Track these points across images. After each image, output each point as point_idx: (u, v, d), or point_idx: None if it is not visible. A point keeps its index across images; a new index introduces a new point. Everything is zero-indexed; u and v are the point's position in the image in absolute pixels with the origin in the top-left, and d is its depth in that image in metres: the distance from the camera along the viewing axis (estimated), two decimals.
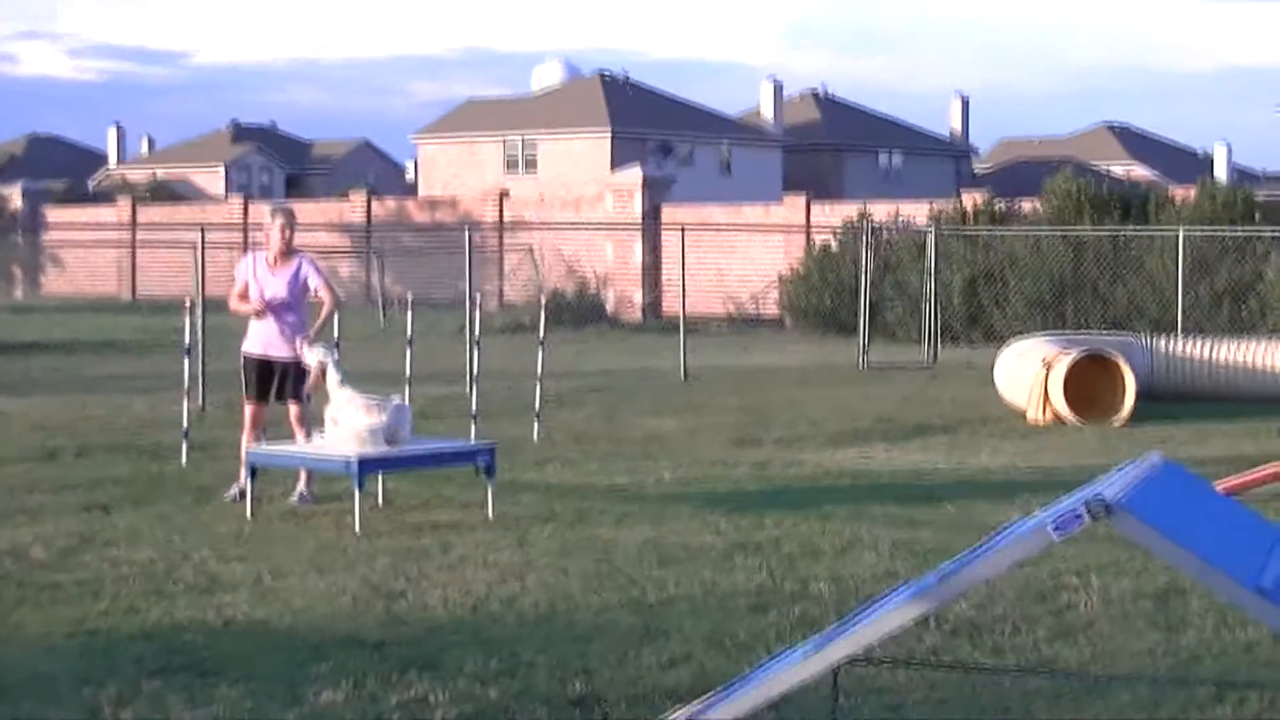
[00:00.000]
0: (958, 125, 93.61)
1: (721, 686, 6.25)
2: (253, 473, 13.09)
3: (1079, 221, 35.55)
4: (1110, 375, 20.04)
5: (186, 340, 16.87)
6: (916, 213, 39.88)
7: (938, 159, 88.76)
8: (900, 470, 15.86)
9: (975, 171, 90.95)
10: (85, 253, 56.60)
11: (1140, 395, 19.85)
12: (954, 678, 8.08)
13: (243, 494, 13.27)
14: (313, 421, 13.85)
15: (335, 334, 16.13)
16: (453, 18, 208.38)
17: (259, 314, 13.95)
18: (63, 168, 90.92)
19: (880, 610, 5.85)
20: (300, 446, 13.46)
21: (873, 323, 31.30)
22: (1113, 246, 34.39)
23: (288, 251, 14.05)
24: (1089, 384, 19.94)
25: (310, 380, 13.40)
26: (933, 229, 33.24)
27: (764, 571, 10.78)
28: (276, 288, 13.91)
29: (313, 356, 13.19)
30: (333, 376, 12.94)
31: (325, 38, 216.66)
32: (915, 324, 33.39)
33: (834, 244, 38.85)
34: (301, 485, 13.66)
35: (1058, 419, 19.64)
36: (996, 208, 38.69)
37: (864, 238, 32.18)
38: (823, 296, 37.98)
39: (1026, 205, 38.77)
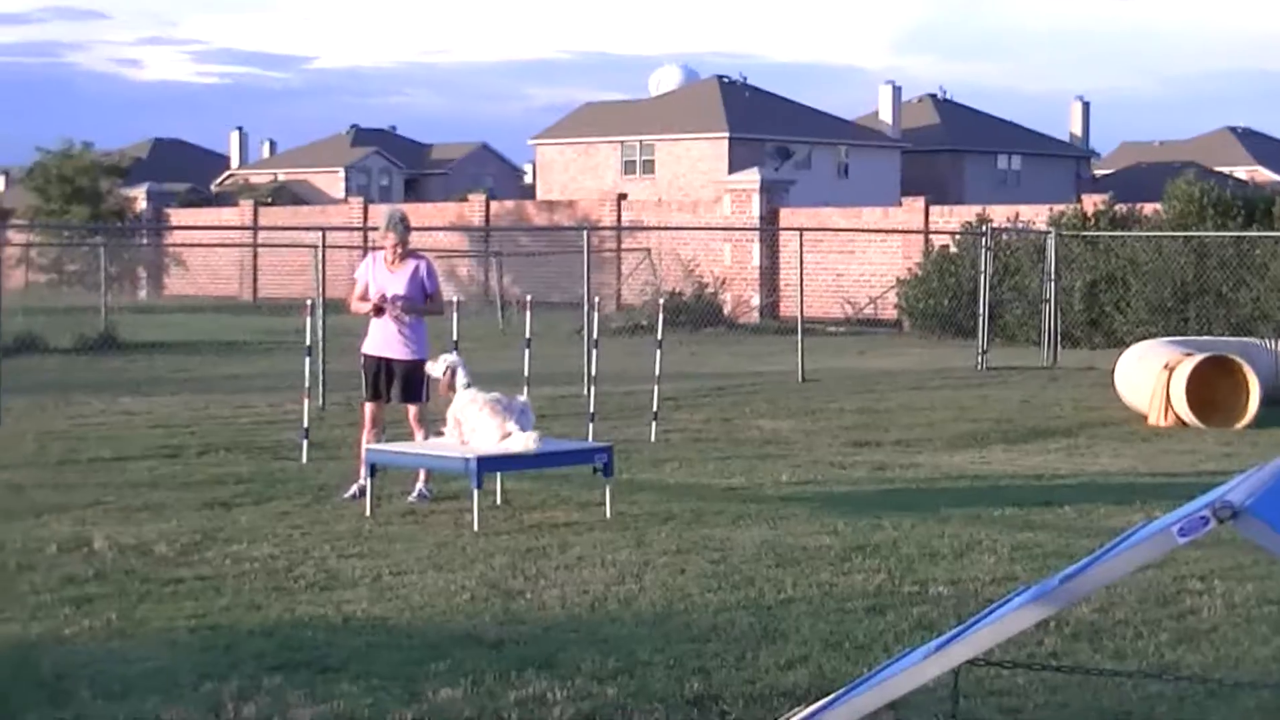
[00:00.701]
0: (1078, 128, 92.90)
1: (842, 688, 6.23)
2: (372, 471, 13.18)
3: (1201, 225, 35.17)
4: (1233, 379, 19.81)
5: (307, 340, 17.01)
6: (1036, 216, 39.58)
7: (1057, 162, 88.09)
8: (1019, 473, 15.74)
9: (1095, 175, 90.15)
10: (207, 254, 57.18)
11: (1264, 399, 19.62)
12: (1074, 681, 8.00)
13: (362, 492, 13.36)
14: (432, 420, 13.94)
15: (454, 336, 16.19)
16: (570, 22, 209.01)
17: (378, 311, 14.04)
18: (186, 171, 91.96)
19: (1001, 612, 5.79)
20: (419, 446, 13.53)
21: (991, 326, 31.09)
22: (1236, 250, 33.98)
23: (405, 253, 14.12)
24: (1211, 388, 19.72)
25: (440, 386, 13.42)
26: (1053, 232, 32.98)
27: (882, 573, 10.73)
28: (395, 288, 13.98)
29: (441, 364, 13.24)
30: (460, 379, 13.01)
31: (444, 42, 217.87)
32: (1034, 327, 33.13)
33: (953, 247, 38.62)
34: (420, 484, 13.73)
35: (1179, 423, 19.43)
36: (1117, 211, 38.34)
37: (983, 241, 31.96)
38: (941, 299, 37.76)
39: (1148, 209, 38.38)
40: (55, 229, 56.52)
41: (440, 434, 13.32)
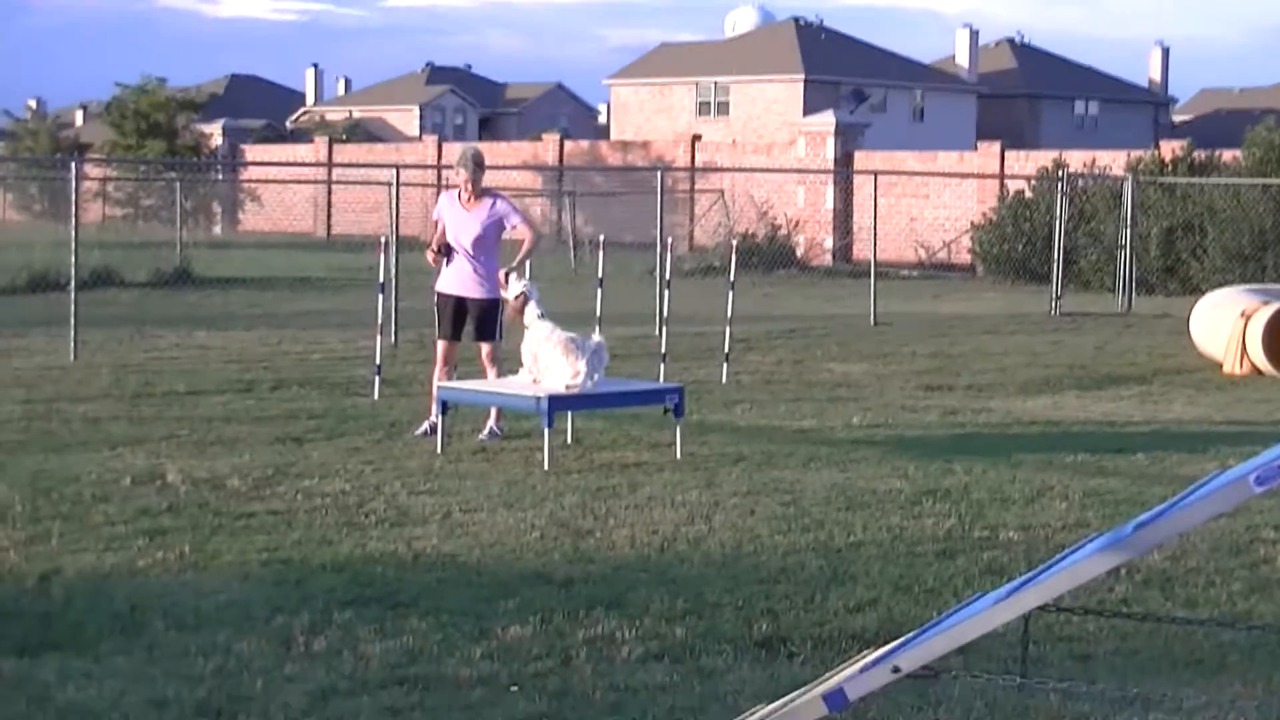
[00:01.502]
0: (1157, 75, 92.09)
1: (911, 632, 6.21)
2: (443, 409, 13.21)
3: None
4: None
5: (380, 278, 17.04)
6: (1113, 162, 39.29)
7: (1135, 108, 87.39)
8: (1092, 419, 15.66)
9: (1174, 121, 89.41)
10: (282, 191, 57.36)
11: None
12: (1145, 629, 7.96)
13: (433, 429, 13.40)
14: (504, 359, 13.96)
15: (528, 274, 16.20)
16: None
17: (437, 259, 14.03)
18: (262, 107, 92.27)
19: (1074, 559, 5.76)
20: (491, 384, 13.55)
21: (1066, 271, 30.90)
22: None
23: (480, 192, 14.10)
24: None
25: (509, 311, 13.40)
26: (1130, 178, 32.72)
27: (952, 518, 10.70)
28: (470, 227, 13.97)
29: (515, 288, 13.21)
30: (532, 310, 12.98)
31: None
32: (1109, 273, 32.93)
33: (1028, 192, 38.38)
34: (491, 421, 13.76)
35: (1255, 371, 19.28)
36: (1195, 158, 37.99)
37: (1059, 186, 31.75)
38: (1015, 244, 37.54)
39: (1227, 156, 38.02)
40: (131, 164, 56.83)
41: (513, 372, 13.33)
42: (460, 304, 14.04)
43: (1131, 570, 8.92)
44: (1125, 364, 20.49)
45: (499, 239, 14.14)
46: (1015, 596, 5.65)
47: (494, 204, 14.04)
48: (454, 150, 58.37)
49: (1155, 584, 8.90)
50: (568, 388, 12.61)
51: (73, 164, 23.18)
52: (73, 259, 20.52)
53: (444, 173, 48.67)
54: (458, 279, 14.05)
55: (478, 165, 14.06)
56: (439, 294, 14.20)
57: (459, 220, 14.02)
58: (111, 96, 65.01)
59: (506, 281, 13.38)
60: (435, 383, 13.89)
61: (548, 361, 12.76)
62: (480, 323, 14.01)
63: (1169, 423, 15.58)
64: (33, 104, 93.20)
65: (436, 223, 14.31)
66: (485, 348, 14.07)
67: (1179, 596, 8.71)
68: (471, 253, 13.97)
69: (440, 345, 14.21)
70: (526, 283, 13.31)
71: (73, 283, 20.17)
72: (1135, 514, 6.74)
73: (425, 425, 13.83)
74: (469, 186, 14.00)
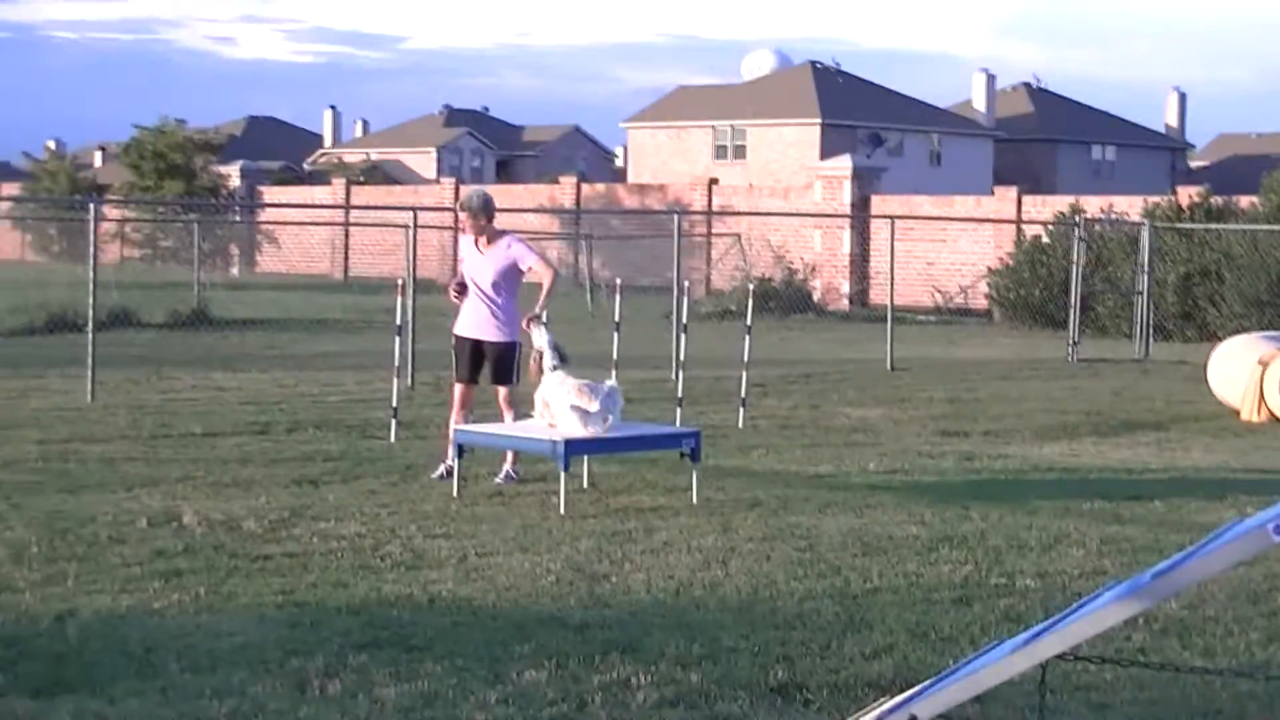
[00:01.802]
0: (1174, 120, 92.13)
1: (928, 679, 6.19)
2: (460, 452, 13.21)
3: None
4: None
5: (398, 320, 17.06)
6: (1130, 207, 39.28)
7: (1152, 153, 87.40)
8: (1109, 466, 15.62)
9: (1191, 166, 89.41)
10: (299, 232, 57.52)
11: None
12: (1163, 678, 7.93)
13: (449, 472, 13.41)
14: (520, 403, 13.95)
15: (544, 318, 16.20)
16: (664, 5, 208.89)
17: (458, 297, 14.05)
18: (280, 149, 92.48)
19: (1092, 607, 5.74)
20: (508, 427, 13.54)
21: (1083, 317, 30.87)
22: None
23: (493, 233, 14.08)
24: None
25: (531, 370, 13.36)
26: (1147, 224, 32.71)
27: (969, 564, 10.67)
28: (485, 269, 13.97)
29: (540, 338, 13.19)
30: (548, 361, 12.97)
31: (537, 24, 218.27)
32: (1126, 319, 32.89)
33: (1045, 237, 38.37)
34: (508, 465, 13.76)
35: (1273, 418, 19.23)
36: (1213, 203, 37.97)
37: (1076, 231, 31.74)
38: (1032, 290, 37.53)
39: (1244, 201, 37.99)
40: (150, 205, 56.99)
41: (529, 416, 13.33)
42: (477, 347, 14.05)
43: (1150, 619, 8.88)
44: (1142, 410, 20.45)
45: (517, 281, 14.12)
46: (1032, 644, 5.63)
47: (509, 246, 14.03)
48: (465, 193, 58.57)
49: (1173, 632, 8.86)
50: (581, 414, 12.57)
51: (91, 205, 23.25)
52: (90, 299, 20.55)
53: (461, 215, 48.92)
54: (475, 321, 14.06)
55: (482, 208, 14.01)
56: (456, 337, 14.20)
57: (475, 263, 14.04)
58: (130, 137, 65.28)
59: (529, 328, 13.37)
60: (452, 426, 13.89)
61: (560, 406, 12.73)
62: (497, 366, 14.02)
63: (1186, 470, 15.53)
64: (51, 144, 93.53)
65: (459, 261, 14.34)
66: (502, 391, 14.07)
67: (1197, 645, 8.67)
68: (488, 295, 13.97)
69: (458, 388, 14.21)
70: (543, 337, 13.21)
71: (90, 323, 20.21)
72: (1153, 562, 6.72)
73: (441, 469, 13.83)
74: (469, 228, 13.97)
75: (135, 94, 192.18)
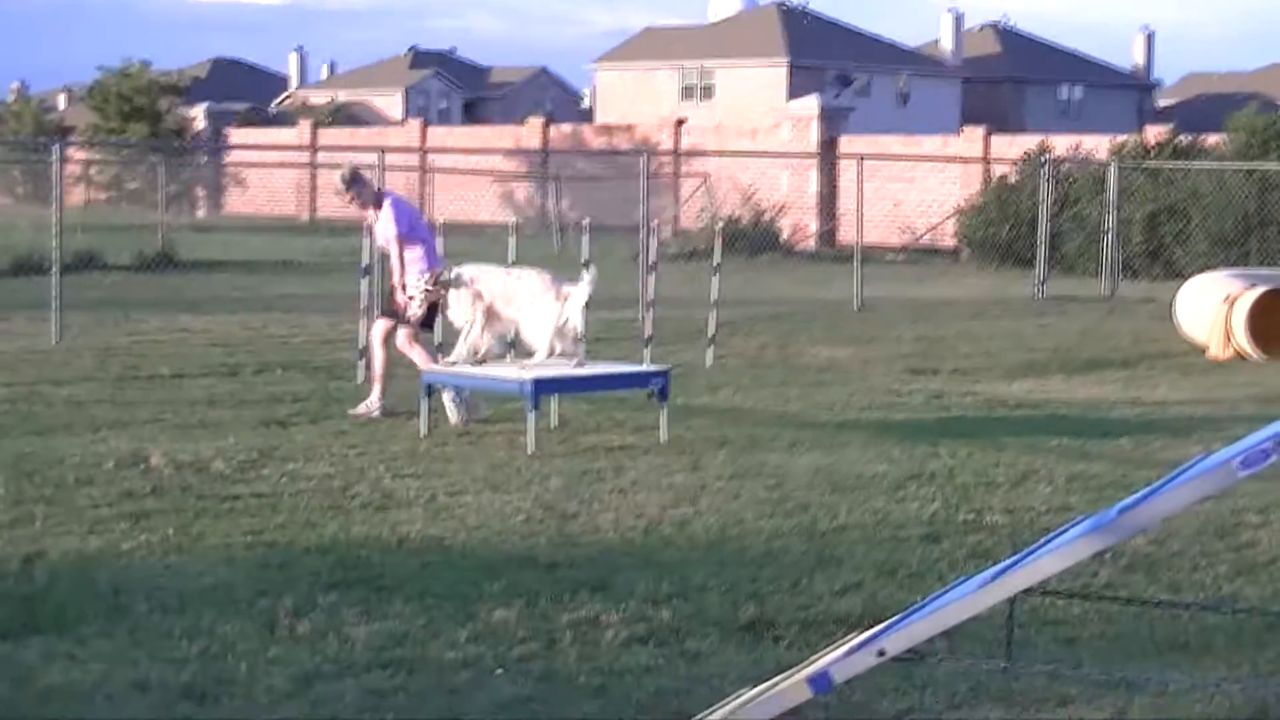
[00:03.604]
0: (1141, 59, 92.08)
1: (896, 615, 6.22)
2: (428, 391, 13.20)
3: (1265, 157, 34.83)
4: None
5: (364, 261, 17.00)
6: (1097, 146, 39.31)
7: (1119, 93, 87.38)
8: (1076, 403, 15.67)
9: (1158, 106, 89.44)
10: (266, 174, 57.23)
11: None
12: (1130, 612, 7.97)
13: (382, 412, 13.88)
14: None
15: (512, 258, 16.17)
16: None
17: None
18: (245, 91, 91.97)
19: (1059, 543, 5.76)
20: (475, 368, 13.48)
21: (1051, 256, 30.92)
22: None
23: (372, 202, 14.62)
24: (1272, 320, 19.56)
25: (418, 304, 13.75)
26: (1114, 163, 32.73)
27: (937, 501, 10.70)
28: (380, 232, 14.64)
29: (447, 276, 13.40)
30: (469, 270, 13.27)
31: None
32: (1094, 258, 32.94)
33: (1012, 176, 38.40)
34: (375, 398, 14.09)
35: (1239, 355, 19.30)
36: (1179, 142, 38.01)
37: (1043, 170, 31.76)
38: (1000, 229, 37.57)
39: (1211, 140, 38.05)
40: (114, 147, 56.71)
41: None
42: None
43: (1116, 554, 8.92)
44: (1109, 348, 20.51)
45: (409, 235, 14.39)
46: (1000, 580, 5.66)
47: (385, 208, 14.47)
48: (438, 134, 58.39)
49: (1140, 568, 8.91)
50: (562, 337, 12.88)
51: (55, 147, 23.10)
52: (55, 242, 20.45)
53: (429, 156, 48.74)
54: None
55: (349, 182, 14.66)
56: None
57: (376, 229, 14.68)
58: (94, 80, 64.88)
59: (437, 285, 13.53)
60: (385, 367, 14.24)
61: (525, 303, 12.99)
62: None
63: (1153, 407, 15.59)
64: (15, 87, 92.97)
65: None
66: (402, 332, 14.31)
67: (1163, 580, 8.72)
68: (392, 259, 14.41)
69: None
70: (450, 275, 13.44)
71: (55, 266, 20.11)
72: (1120, 498, 6.74)
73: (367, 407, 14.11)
74: (353, 203, 14.70)
75: (100, 37, 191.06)
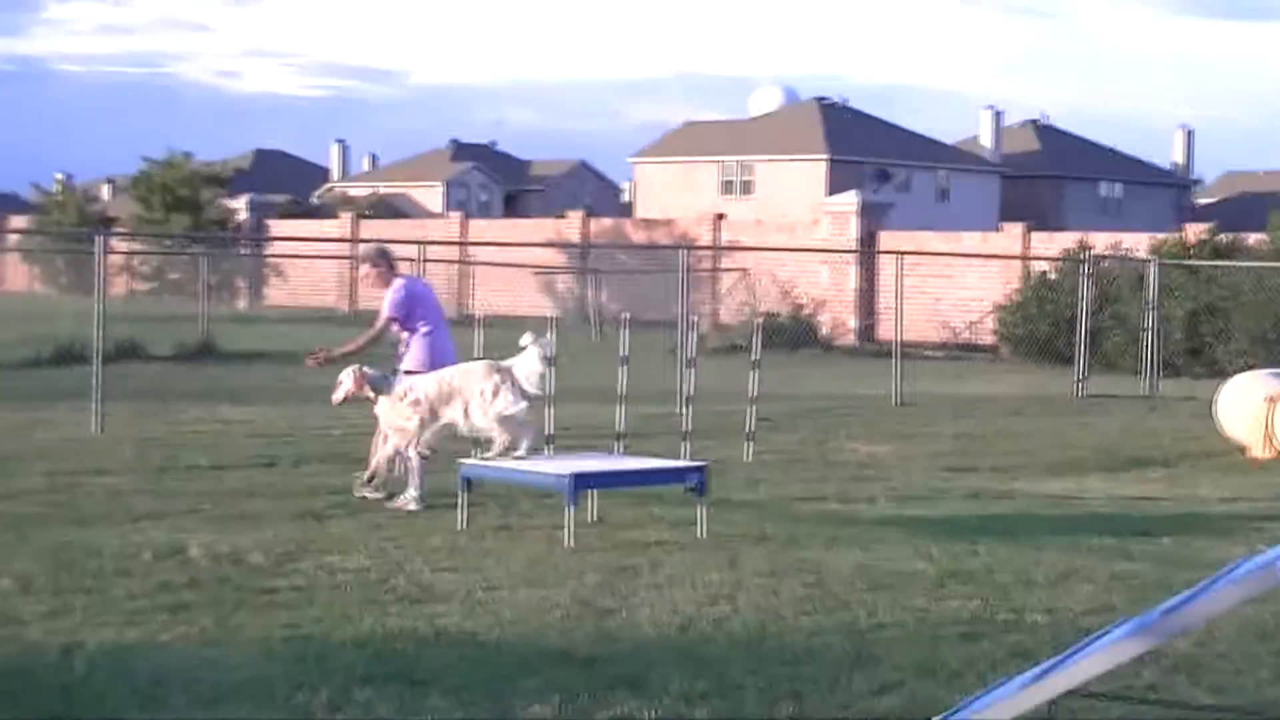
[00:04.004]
0: (1180, 157, 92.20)
1: (938, 716, 6.17)
2: (467, 485, 13.20)
3: None
4: None
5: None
6: (1137, 244, 39.29)
7: (1159, 190, 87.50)
8: (1117, 502, 15.59)
9: (1197, 203, 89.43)
10: (307, 265, 57.55)
11: None
12: (1173, 716, 7.90)
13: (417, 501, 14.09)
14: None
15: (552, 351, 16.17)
16: (670, 42, 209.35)
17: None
18: (287, 182, 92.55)
19: (1101, 643, 5.72)
20: (513, 462, 13.51)
21: (1091, 353, 30.85)
22: None
23: (386, 284, 15.06)
24: None
25: (354, 391, 14.15)
26: (1154, 260, 32.71)
27: (977, 600, 10.64)
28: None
29: (345, 380, 14.21)
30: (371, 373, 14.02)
31: (543, 59, 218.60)
32: (1134, 355, 32.85)
33: (1052, 273, 38.38)
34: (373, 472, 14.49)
35: None
36: (1220, 241, 37.97)
37: (1083, 267, 31.74)
38: (1039, 325, 37.54)
39: (1251, 239, 38.00)
40: (157, 238, 57.06)
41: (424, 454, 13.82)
42: None
43: (1158, 655, 8.84)
44: (1150, 447, 20.42)
45: (411, 322, 14.88)
46: (1042, 681, 5.62)
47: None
48: (479, 227, 58.64)
49: (1183, 669, 8.83)
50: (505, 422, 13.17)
51: (99, 238, 23.24)
52: (98, 332, 20.55)
53: (469, 249, 48.96)
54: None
55: (369, 260, 15.35)
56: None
57: None
58: (138, 170, 65.36)
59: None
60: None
61: (470, 394, 13.27)
62: None
63: (1195, 506, 15.50)
64: (60, 177, 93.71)
65: None
66: None
67: (1206, 683, 8.64)
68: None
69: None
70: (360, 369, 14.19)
71: (97, 355, 20.21)
72: (1162, 599, 6.69)
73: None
74: (369, 280, 15.28)
75: (143, 127, 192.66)
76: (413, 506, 14.02)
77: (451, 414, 13.51)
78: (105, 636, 9.19)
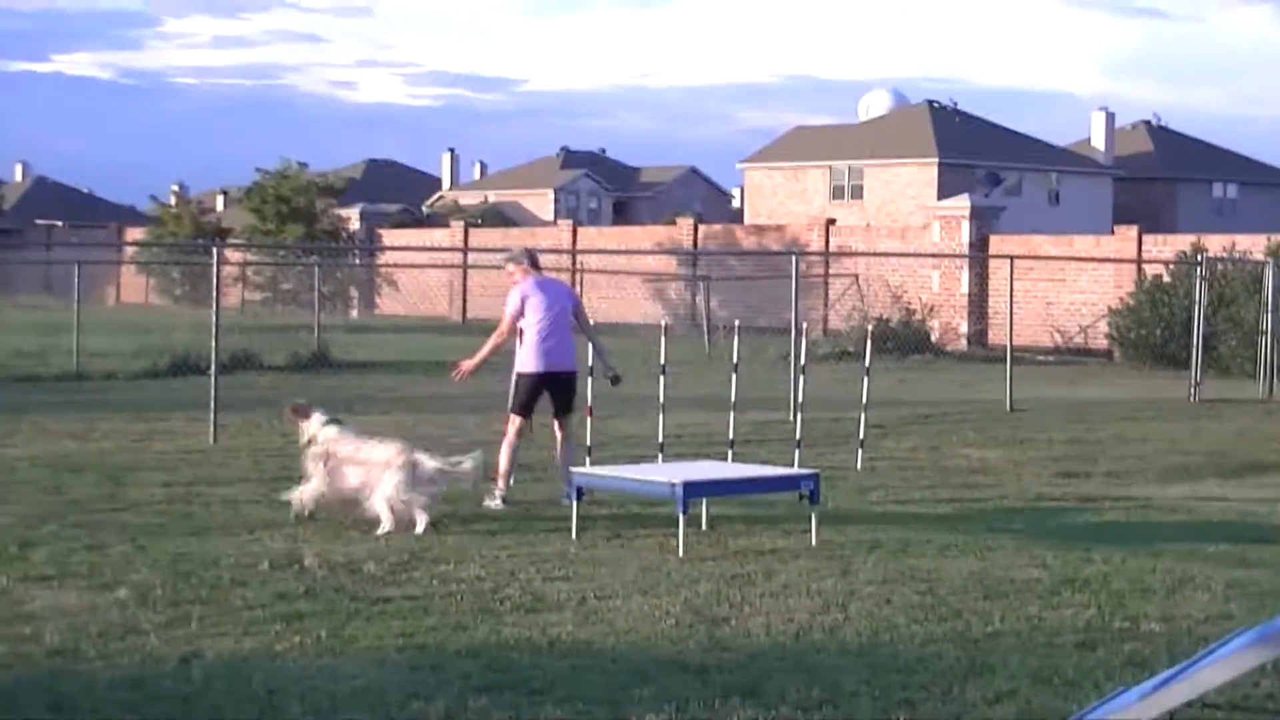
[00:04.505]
0: None
1: None
2: (579, 494, 13.24)
3: None
4: None
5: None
6: (1253, 246, 38.84)
7: (1275, 191, 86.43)
8: (1234, 508, 15.43)
9: None
10: (418, 274, 57.86)
11: None
12: None
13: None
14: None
15: (663, 359, 16.17)
16: (780, 46, 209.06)
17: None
18: (398, 191, 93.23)
19: (1222, 653, 5.68)
20: (625, 469, 13.56)
21: (1205, 357, 30.52)
22: None
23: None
24: None
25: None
26: (1270, 262, 32.31)
27: (1092, 608, 10.56)
28: None
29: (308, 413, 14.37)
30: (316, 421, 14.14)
31: (654, 66, 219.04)
32: (1250, 359, 32.49)
33: (1166, 276, 38.02)
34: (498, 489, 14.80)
35: None
36: None
37: (1198, 270, 31.43)
38: (1153, 329, 37.20)
39: None
40: (271, 248, 57.54)
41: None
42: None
43: (1277, 665, 8.74)
44: (1267, 451, 20.19)
45: (528, 321, 15.21)
46: (1161, 691, 5.58)
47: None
48: (589, 234, 58.80)
49: None
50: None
51: (214, 249, 23.43)
52: (213, 342, 20.71)
53: (579, 258, 49.06)
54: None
55: (512, 260, 15.56)
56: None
57: None
58: (252, 181, 65.94)
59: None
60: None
61: (372, 470, 13.58)
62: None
63: None
64: (175, 189, 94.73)
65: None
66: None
67: None
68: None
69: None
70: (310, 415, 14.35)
71: (213, 366, 20.39)
72: None
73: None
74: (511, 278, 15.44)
75: (257, 138, 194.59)
76: (497, 504, 14.64)
77: (353, 479, 13.69)
78: (223, 646, 9.29)
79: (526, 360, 15.14)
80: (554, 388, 15.26)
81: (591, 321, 15.90)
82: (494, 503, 14.68)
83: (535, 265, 15.51)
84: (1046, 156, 79.44)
